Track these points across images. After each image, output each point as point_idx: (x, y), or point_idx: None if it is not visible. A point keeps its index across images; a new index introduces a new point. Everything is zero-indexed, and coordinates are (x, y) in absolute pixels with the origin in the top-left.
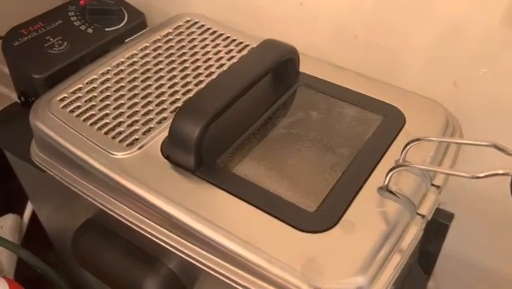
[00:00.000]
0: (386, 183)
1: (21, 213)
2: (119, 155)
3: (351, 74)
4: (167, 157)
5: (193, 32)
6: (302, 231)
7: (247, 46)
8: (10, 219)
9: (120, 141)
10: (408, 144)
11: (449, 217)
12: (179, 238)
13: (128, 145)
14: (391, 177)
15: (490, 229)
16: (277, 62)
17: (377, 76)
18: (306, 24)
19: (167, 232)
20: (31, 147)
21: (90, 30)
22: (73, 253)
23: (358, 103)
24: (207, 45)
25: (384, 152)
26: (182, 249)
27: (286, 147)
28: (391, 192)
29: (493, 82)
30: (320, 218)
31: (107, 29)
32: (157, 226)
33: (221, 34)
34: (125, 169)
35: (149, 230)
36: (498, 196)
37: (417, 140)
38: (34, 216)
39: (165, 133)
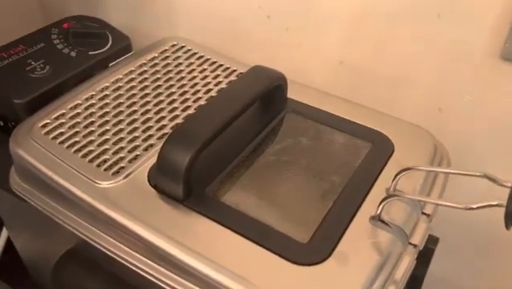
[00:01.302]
0: (378, 213)
1: None
2: (105, 184)
3: (338, 100)
4: (154, 186)
5: (179, 56)
6: (296, 264)
7: (234, 71)
8: None
9: (106, 169)
10: (399, 173)
11: (435, 241)
12: (166, 271)
13: (113, 174)
14: (383, 206)
15: (475, 252)
16: (266, 88)
17: (363, 102)
18: (291, 49)
19: (154, 264)
20: (10, 175)
21: (73, 54)
22: (53, 285)
23: (346, 129)
24: (193, 70)
25: (375, 181)
26: (170, 282)
27: (277, 175)
28: (383, 221)
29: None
30: (313, 250)
31: (90, 52)
32: (144, 258)
33: (208, 59)
34: (111, 199)
35: (136, 263)
36: (482, 218)
37: (408, 169)
38: (8, 242)
39: (152, 161)
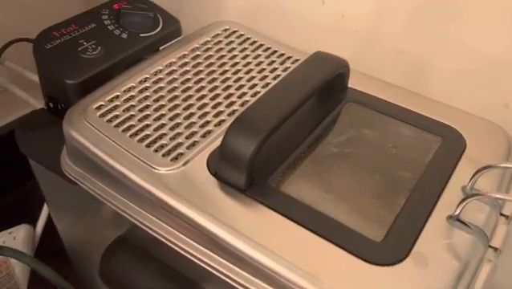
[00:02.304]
0: (457, 213)
1: (33, 220)
2: (163, 170)
3: (402, 91)
4: (215, 174)
5: (232, 41)
6: (371, 263)
7: (289, 58)
8: (23, 230)
9: (164, 155)
10: (479, 171)
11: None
12: (226, 262)
13: (172, 160)
14: (463, 207)
15: None
16: (330, 75)
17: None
18: (346, 37)
19: (214, 255)
20: (62, 158)
21: (124, 35)
22: (101, 273)
23: (413, 122)
24: (247, 55)
25: (448, 178)
26: (230, 274)
27: (341, 167)
28: (462, 222)
29: None
30: (389, 249)
31: (142, 34)
32: (203, 248)
33: (262, 45)
34: (170, 186)
35: (193, 252)
36: None
37: (488, 167)
38: (47, 225)
39: (211, 148)
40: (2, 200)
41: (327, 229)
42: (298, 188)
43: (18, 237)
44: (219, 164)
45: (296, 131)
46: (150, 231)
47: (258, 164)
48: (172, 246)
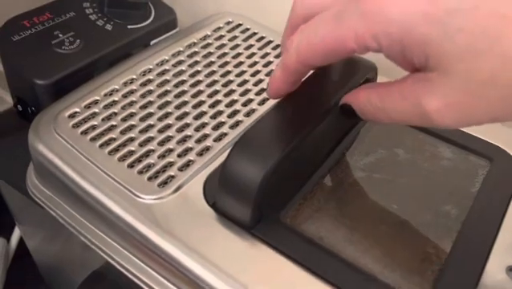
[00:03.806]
0: None
1: (7, 232)
2: (149, 199)
3: None
4: (213, 206)
5: (235, 37)
6: None
7: None
8: None
9: (150, 179)
10: None
11: None
12: None
13: (160, 185)
14: None
15: None
16: (356, 82)
17: None
18: None
19: None
20: (28, 174)
21: (109, 27)
22: None
23: (453, 141)
24: (254, 54)
25: (504, 214)
26: None
27: (370, 198)
28: None
29: None
30: None
31: (129, 26)
32: None
33: (270, 41)
34: (156, 219)
35: None
36: None
37: None
38: (23, 239)
39: (209, 169)
40: None
41: (356, 284)
42: (318, 226)
43: None
44: (219, 193)
45: (313, 151)
46: (130, 276)
47: (268, 194)
48: None
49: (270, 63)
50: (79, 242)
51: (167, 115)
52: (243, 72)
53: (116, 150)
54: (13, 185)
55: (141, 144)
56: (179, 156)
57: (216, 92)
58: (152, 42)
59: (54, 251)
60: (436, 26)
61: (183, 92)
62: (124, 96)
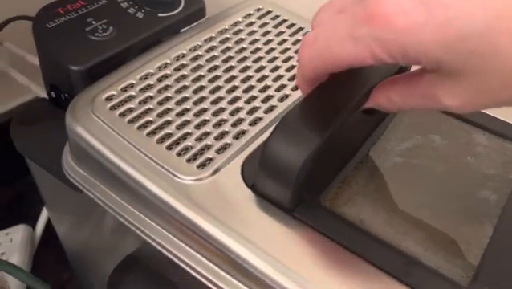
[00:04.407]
0: None
1: (33, 220)
2: (188, 179)
3: None
4: (252, 188)
5: (266, 23)
6: None
7: None
8: (21, 230)
9: (189, 161)
10: None
11: None
12: None
13: (199, 167)
14: None
15: None
16: (392, 68)
17: None
18: None
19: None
20: (63, 157)
21: (140, 15)
22: None
23: (490, 128)
24: (285, 40)
25: None
26: None
27: (408, 183)
28: None
29: None
30: None
31: (160, 14)
32: (234, 280)
33: (301, 28)
34: (196, 200)
35: (223, 286)
36: None
37: None
38: (47, 224)
39: (246, 152)
40: None
41: (399, 266)
42: (357, 209)
43: (16, 238)
44: (258, 175)
45: (351, 135)
46: (169, 254)
47: (308, 177)
48: (196, 274)
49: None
50: (111, 226)
51: (202, 99)
52: (275, 58)
53: (154, 132)
54: (50, 170)
55: (178, 128)
56: (216, 139)
57: (249, 78)
58: (182, 31)
59: (83, 237)
60: (444, 36)
61: (216, 77)
62: (159, 80)
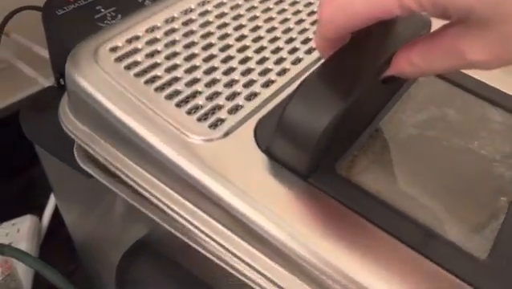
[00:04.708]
0: None
1: (39, 210)
2: (199, 139)
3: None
4: (266, 151)
5: None
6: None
7: None
8: (27, 221)
9: (200, 120)
10: None
11: None
12: (283, 269)
13: (210, 127)
14: None
15: None
16: (410, 36)
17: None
18: None
19: (261, 255)
20: (61, 108)
21: (148, 3)
22: (119, 285)
23: (502, 104)
24: (297, 1)
25: None
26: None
27: (424, 155)
28: None
29: None
30: (497, 273)
31: None
32: (247, 245)
33: None
34: (207, 160)
35: (234, 250)
36: None
37: None
38: (53, 214)
39: (258, 115)
40: (5, 187)
41: (417, 237)
42: (373, 179)
43: (23, 229)
44: (274, 139)
45: (367, 104)
46: (176, 216)
47: (326, 144)
48: (204, 236)
49: (313, 12)
50: (120, 212)
51: (211, 57)
52: (287, 20)
53: (162, 88)
54: (58, 156)
55: (187, 85)
56: (227, 99)
57: (260, 38)
58: None
59: (92, 225)
60: None
61: (226, 35)
62: (166, 34)
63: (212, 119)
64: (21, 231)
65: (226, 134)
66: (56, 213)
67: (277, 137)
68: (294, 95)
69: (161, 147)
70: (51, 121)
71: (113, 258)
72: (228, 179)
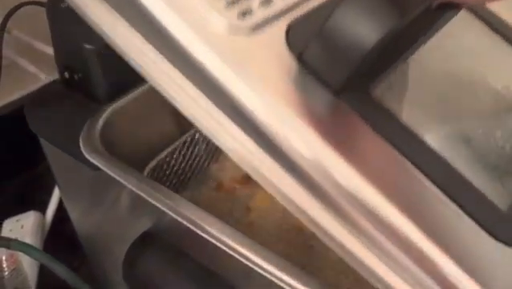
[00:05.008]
0: None
1: (43, 206)
2: (223, 29)
3: None
4: (298, 57)
5: None
6: (493, 237)
7: None
8: (31, 217)
9: (226, 5)
10: None
11: None
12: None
13: (239, 16)
14: None
15: None
16: None
17: None
18: None
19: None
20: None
21: None
22: (126, 277)
23: None
24: None
25: None
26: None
27: (460, 94)
28: None
29: None
30: None
31: None
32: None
33: None
34: (230, 55)
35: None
36: None
37: None
38: (57, 210)
39: (290, 16)
40: (9, 184)
41: (444, 179)
42: (405, 109)
43: (27, 225)
44: (311, 45)
45: (411, 28)
46: (187, 115)
47: (370, 62)
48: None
49: None
50: (127, 204)
51: None
52: None
53: None
54: (63, 148)
55: None
56: None
57: None
58: None
59: (98, 219)
60: None
61: None
62: None
63: (240, 7)
64: (25, 227)
65: (254, 29)
66: (60, 210)
67: (315, 44)
68: (345, 1)
69: (177, 34)
70: (57, 114)
71: (119, 251)
72: (250, 78)
